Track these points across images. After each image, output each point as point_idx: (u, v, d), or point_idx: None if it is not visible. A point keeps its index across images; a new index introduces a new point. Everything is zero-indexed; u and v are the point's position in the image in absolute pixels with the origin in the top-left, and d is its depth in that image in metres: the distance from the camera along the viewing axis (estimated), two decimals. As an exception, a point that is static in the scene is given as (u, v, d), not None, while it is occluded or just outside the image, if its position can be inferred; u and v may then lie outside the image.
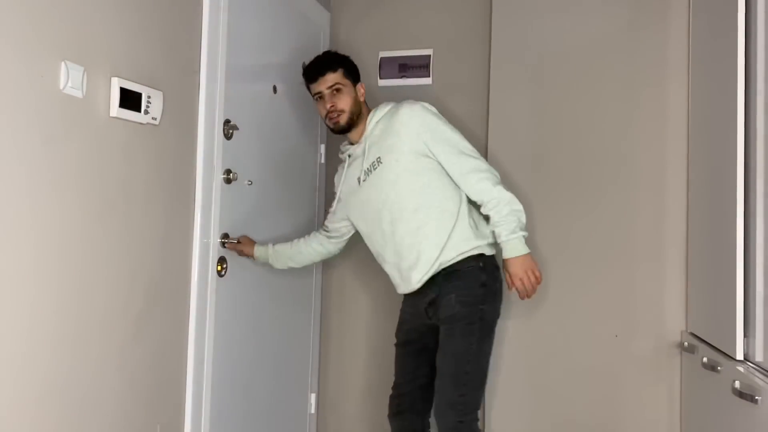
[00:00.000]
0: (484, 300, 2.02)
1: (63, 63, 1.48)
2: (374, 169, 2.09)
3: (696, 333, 2.34)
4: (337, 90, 2.11)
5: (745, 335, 1.85)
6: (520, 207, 2.01)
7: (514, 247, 1.98)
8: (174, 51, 1.90)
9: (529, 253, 2.00)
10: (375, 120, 2.13)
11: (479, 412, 2.08)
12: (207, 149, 2.05)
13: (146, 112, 1.74)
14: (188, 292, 1.99)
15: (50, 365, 1.48)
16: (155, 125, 1.80)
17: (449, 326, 2.03)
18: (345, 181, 2.21)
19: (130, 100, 1.67)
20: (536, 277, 2.00)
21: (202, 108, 2.02)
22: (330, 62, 2.14)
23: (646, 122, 2.59)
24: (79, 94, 1.52)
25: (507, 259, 2.00)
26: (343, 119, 2.12)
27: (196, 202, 2.02)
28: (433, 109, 2.12)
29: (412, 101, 2.10)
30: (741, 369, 1.78)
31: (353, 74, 2.17)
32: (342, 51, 2.28)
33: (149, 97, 1.75)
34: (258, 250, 2.24)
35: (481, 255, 2.05)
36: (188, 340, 1.99)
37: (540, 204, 2.61)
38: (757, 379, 1.68)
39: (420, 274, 2.06)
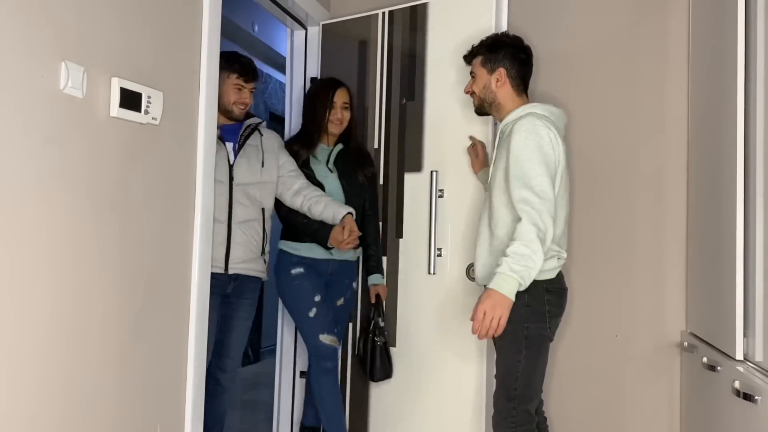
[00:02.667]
0: (528, 319, 2.01)
1: (63, 63, 1.48)
2: (491, 167, 2.13)
3: (696, 333, 2.34)
4: (472, 76, 2.22)
5: (745, 335, 1.85)
6: (536, 265, 1.90)
7: (502, 284, 1.90)
8: (174, 51, 1.90)
9: (510, 302, 1.91)
10: (507, 120, 2.12)
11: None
12: (207, 149, 2.05)
13: (146, 112, 1.74)
14: (189, 292, 1.99)
15: (50, 365, 1.48)
16: (155, 125, 1.80)
17: (498, 341, 2.05)
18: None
19: (130, 100, 1.67)
20: (497, 324, 1.91)
21: (202, 108, 2.02)
22: (470, 52, 2.24)
23: (646, 122, 2.59)
24: (79, 94, 1.52)
25: (488, 288, 1.93)
26: (474, 102, 2.24)
27: (197, 202, 2.02)
28: (541, 131, 1.97)
29: (528, 124, 1.98)
30: (741, 369, 1.78)
31: (490, 63, 2.17)
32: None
33: (149, 97, 1.75)
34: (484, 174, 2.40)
35: None
36: (188, 340, 1.99)
37: (540, 204, 2.60)
38: (756, 379, 1.67)
39: (477, 276, 2.15)
